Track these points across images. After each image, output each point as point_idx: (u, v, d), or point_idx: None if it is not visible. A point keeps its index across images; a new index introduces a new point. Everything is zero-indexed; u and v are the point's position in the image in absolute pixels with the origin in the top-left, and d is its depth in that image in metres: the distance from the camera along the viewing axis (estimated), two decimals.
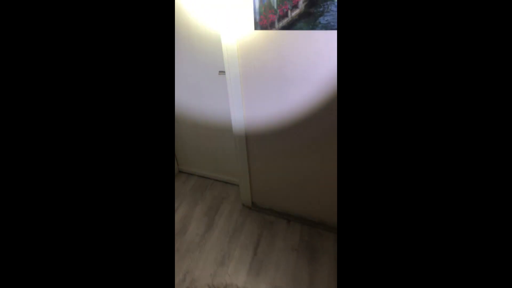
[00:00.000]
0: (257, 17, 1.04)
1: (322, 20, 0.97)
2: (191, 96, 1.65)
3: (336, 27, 0.96)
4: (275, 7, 1.00)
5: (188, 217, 1.66)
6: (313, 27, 0.99)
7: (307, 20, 0.99)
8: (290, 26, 1.02)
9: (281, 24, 1.03)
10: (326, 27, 0.97)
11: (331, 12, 0.95)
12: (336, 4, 0.93)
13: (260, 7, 1.02)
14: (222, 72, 1.45)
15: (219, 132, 1.72)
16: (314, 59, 1.06)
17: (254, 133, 1.39)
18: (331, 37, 0.99)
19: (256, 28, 1.07)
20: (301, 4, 0.96)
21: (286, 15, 1.01)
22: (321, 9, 0.96)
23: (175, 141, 1.95)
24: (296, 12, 0.99)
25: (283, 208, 1.60)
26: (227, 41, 1.16)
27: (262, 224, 1.59)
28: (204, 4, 1.31)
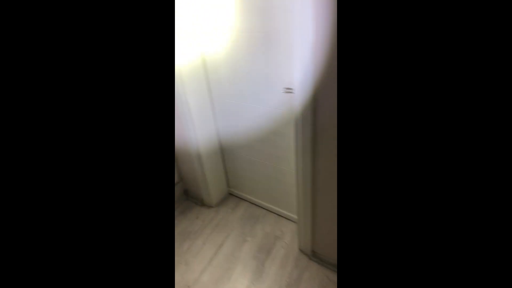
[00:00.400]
0: None
1: None
2: (248, 111, 1.40)
3: None
4: None
5: (235, 256, 1.41)
6: None
7: None
8: None
9: None
10: None
11: None
12: None
13: None
14: (288, 90, 1.15)
15: (278, 156, 1.43)
16: None
17: (323, 164, 1.06)
18: None
19: None
20: None
21: None
22: None
23: (226, 161, 1.73)
24: None
25: None
26: (299, 51, 0.85)
27: (324, 285, 1.24)
28: (271, 6, 1.03)
